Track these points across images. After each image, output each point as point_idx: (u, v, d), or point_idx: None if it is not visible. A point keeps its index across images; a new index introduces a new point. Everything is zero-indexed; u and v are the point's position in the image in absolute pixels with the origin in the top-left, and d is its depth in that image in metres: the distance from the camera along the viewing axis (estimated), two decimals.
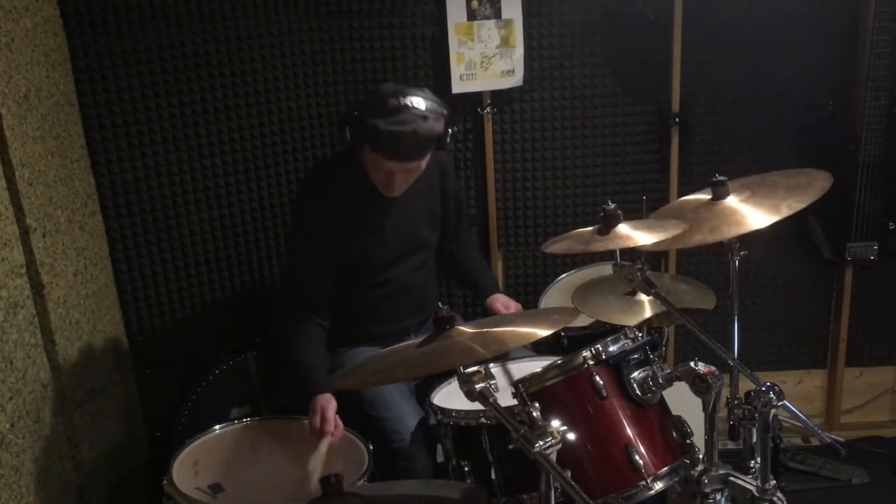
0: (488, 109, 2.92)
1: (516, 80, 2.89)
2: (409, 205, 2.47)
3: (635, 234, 1.98)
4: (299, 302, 2.39)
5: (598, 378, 1.82)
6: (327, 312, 2.43)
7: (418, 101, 2.19)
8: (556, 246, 2.04)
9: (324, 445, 2.19)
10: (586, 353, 1.84)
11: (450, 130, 2.28)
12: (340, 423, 2.21)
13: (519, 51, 2.86)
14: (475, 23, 2.82)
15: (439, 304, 1.77)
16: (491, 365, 1.64)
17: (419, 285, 2.56)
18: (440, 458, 2.24)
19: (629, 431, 1.82)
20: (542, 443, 1.45)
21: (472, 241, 2.89)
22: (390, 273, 2.47)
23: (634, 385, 1.84)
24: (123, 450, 2.68)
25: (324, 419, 2.18)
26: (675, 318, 2.00)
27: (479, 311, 3.08)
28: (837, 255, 2.99)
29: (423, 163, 2.30)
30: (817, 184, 2.07)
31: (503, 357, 2.33)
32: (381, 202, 2.42)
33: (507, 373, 2.26)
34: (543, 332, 1.70)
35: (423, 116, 2.19)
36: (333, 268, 2.41)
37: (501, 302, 2.59)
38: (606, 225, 2.00)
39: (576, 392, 1.83)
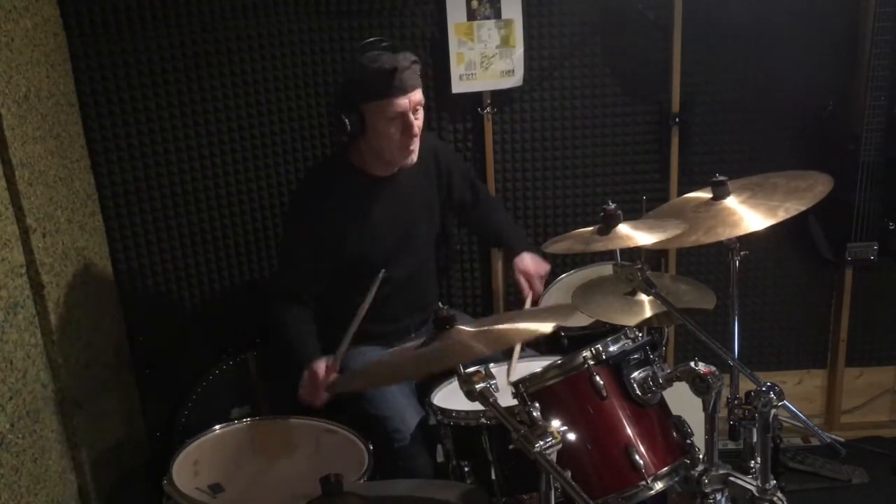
0: (488, 109, 2.92)
1: (516, 80, 2.89)
2: (407, 201, 2.47)
3: (635, 234, 1.98)
4: (287, 295, 2.42)
5: (598, 378, 1.82)
6: (312, 302, 2.46)
7: (383, 50, 2.31)
8: (556, 246, 2.04)
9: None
10: (586, 353, 1.84)
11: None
12: (323, 395, 2.30)
13: (519, 51, 2.86)
14: (475, 23, 2.81)
15: (439, 303, 1.77)
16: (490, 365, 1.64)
17: (418, 284, 2.56)
18: (440, 458, 2.24)
19: (629, 431, 1.82)
20: (542, 443, 1.45)
21: (494, 201, 2.88)
22: (388, 272, 2.47)
23: (634, 385, 1.84)
24: (123, 450, 2.68)
25: (313, 385, 2.29)
26: (675, 318, 2.00)
27: (481, 311, 3.10)
28: (837, 255, 2.99)
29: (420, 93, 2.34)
30: (817, 188, 2.06)
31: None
32: (378, 199, 2.42)
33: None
34: (543, 329, 1.70)
35: (393, 49, 2.30)
36: (327, 265, 2.42)
37: (521, 269, 2.62)
38: (606, 225, 2.00)
39: (576, 392, 1.83)
